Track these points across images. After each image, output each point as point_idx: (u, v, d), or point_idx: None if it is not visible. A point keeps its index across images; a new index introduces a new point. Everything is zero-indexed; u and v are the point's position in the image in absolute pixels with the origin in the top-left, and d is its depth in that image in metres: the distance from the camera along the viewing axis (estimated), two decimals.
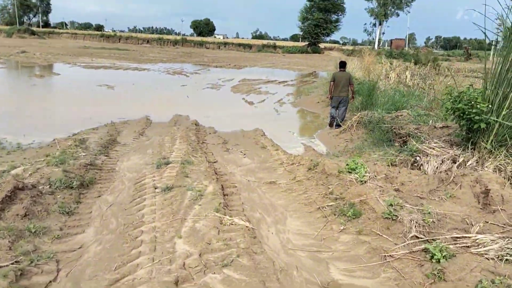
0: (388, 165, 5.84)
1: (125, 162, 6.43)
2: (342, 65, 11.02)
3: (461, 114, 5.43)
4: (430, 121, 7.47)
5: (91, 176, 5.40)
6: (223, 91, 17.60)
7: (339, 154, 8.04)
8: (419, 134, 7.00)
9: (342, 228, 4.15)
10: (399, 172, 5.20)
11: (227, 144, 8.29)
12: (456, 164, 5.41)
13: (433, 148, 5.99)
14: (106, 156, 6.62)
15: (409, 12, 72.37)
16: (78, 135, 8.04)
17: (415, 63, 31.01)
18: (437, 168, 5.48)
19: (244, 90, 18.10)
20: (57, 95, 14.72)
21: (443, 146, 6.06)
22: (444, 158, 5.60)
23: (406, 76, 17.38)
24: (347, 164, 5.19)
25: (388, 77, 16.48)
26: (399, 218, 3.94)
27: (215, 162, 6.67)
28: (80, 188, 4.98)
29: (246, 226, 3.96)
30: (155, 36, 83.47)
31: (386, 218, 4.01)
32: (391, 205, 4.11)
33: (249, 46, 72.24)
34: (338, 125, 10.62)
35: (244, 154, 7.34)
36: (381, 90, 11.45)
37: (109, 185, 5.29)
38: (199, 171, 5.65)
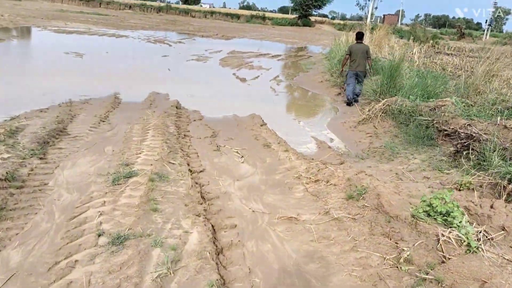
0: (460, 188, 3.91)
1: (67, 169, 4.33)
2: (360, 36, 9.59)
3: None
4: (498, 118, 5.53)
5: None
6: (210, 65, 15.33)
7: (365, 156, 6.09)
8: (484, 136, 5.07)
9: None
10: None
11: (217, 137, 6.24)
12: None
13: None
14: (41, 159, 4.49)
15: None
16: (14, 121, 5.87)
17: (414, 41, 29.10)
18: None
19: (235, 64, 15.86)
20: (11, 63, 12.24)
21: None
22: None
23: (414, 54, 15.39)
24: (430, 204, 3.12)
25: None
26: None
27: (201, 171, 4.62)
28: None
29: None
30: (138, 1, 79.03)
31: None
32: None
33: (237, 16, 69.32)
34: (356, 101, 9.53)
35: (242, 156, 5.31)
36: (405, 71, 9.45)
37: (26, 222, 3.19)
38: (176, 195, 3.63)
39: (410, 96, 7.59)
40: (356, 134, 7.27)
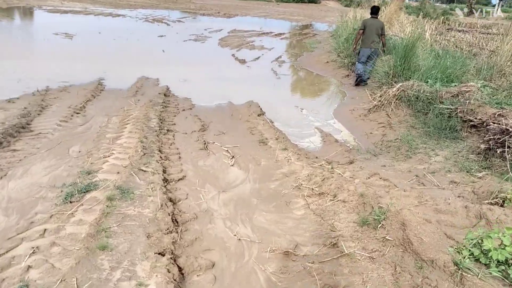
0: (504, 203, 3.09)
1: (14, 180, 3.55)
2: (375, 10, 8.76)
3: None
4: None
5: None
6: (208, 45, 14.36)
7: (377, 151, 5.26)
8: None
9: None
10: None
11: (207, 131, 5.42)
12: None
13: None
14: None
15: None
16: None
17: (424, 17, 27.77)
18: None
19: (235, 43, 14.88)
20: None
21: None
22: None
23: (426, 31, 14.29)
24: (480, 245, 2.24)
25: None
26: None
27: (180, 179, 3.82)
28: None
29: None
30: None
31: None
32: None
33: None
34: (365, 82, 8.87)
35: (232, 157, 4.50)
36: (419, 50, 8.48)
37: None
38: (138, 220, 2.85)
39: (429, 80, 6.67)
40: (367, 124, 6.41)
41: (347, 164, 4.60)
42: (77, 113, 5.62)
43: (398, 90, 6.52)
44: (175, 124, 5.53)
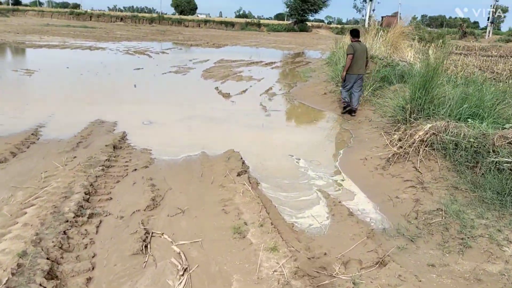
0: None
1: None
2: (356, 33, 8.20)
3: None
4: None
5: None
6: (190, 77, 12.76)
7: (413, 231, 3.49)
8: None
9: None
10: None
11: (158, 208, 3.63)
12: None
13: None
14: None
15: None
16: None
17: (419, 41, 26.66)
18: None
19: (220, 75, 13.30)
20: None
21: None
22: None
23: (429, 56, 12.82)
24: None
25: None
26: None
27: None
28: None
29: None
30: (129, 13, 77.02)
31: None
32: None
33: (232, 24, 67.40)
34: (354, 112, 8.15)
35: (184, 269, 2.67)
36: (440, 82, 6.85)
37: None
38: None
39: (469, 119, 4.98)
40: (388, 181, 4.65)
41: (376, 269, 2.82)
42: None
43: (427, 133, 4.82)
44: (111, 198, 3.74)
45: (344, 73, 8.00)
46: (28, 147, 5.18)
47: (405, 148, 5.00)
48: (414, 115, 6.13)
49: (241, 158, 5.14)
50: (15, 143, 5.17)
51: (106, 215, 3.38)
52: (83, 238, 2.92)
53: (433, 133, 4.79)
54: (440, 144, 4.67)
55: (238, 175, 4.53)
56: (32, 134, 5.71)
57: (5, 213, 3.23)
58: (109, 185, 4.03)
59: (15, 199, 3.49)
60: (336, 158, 5.72)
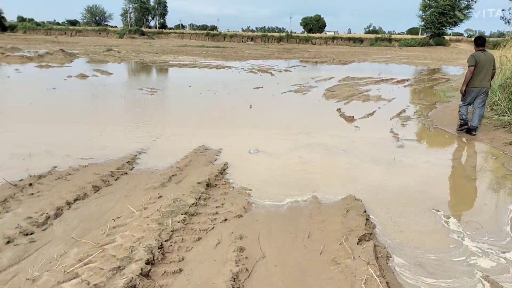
0: None
1: None
2: (481, 42, 7.36)
3: None
4: None
5: None
6: (310, 97, 11.69)
7: None
8: None
9: None
10: None
11: None
12: None
13: None
14: None
15: None
16: None
17: None
18: None
19: (344, 94, 11.96)
20: (61, 103, 10.21)
21: None
22: None
23: None
24: None
25: None
26: None
27: None
28: None
29: None
30: (259, 33, 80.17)
31: None
32: None
33: (360, 40, 65.44)
34: (474, 130, 7.41)
35: None
36: None
37: None
38: None
39: None
40: None
41: None
42: (26, 235, 3.24)
43: None
44: (180, 271, 2.74)
45: (464, 87, 7.35)
46: (116, 179, 4.62)
47: None
48: None
49: (364, 212, 3.80)
50: (104, 174, 4.66)
51: None
52: None
53: None
54: None
55: (359, 241, 3.21)
56: (127, 162, 5.20)
57: (45, 281, 2.48)
58: (185, 245, 3.09)
59: (61, 263, 2.75)
60: (506, 218, 3.96)
